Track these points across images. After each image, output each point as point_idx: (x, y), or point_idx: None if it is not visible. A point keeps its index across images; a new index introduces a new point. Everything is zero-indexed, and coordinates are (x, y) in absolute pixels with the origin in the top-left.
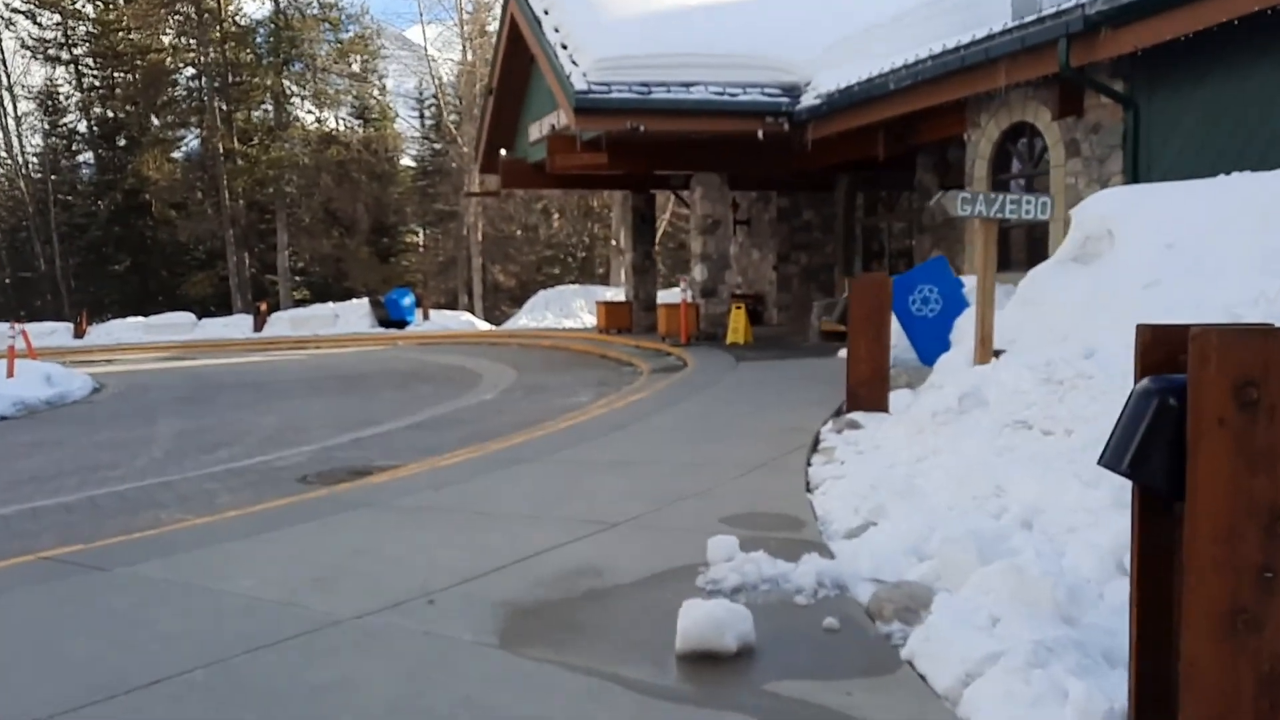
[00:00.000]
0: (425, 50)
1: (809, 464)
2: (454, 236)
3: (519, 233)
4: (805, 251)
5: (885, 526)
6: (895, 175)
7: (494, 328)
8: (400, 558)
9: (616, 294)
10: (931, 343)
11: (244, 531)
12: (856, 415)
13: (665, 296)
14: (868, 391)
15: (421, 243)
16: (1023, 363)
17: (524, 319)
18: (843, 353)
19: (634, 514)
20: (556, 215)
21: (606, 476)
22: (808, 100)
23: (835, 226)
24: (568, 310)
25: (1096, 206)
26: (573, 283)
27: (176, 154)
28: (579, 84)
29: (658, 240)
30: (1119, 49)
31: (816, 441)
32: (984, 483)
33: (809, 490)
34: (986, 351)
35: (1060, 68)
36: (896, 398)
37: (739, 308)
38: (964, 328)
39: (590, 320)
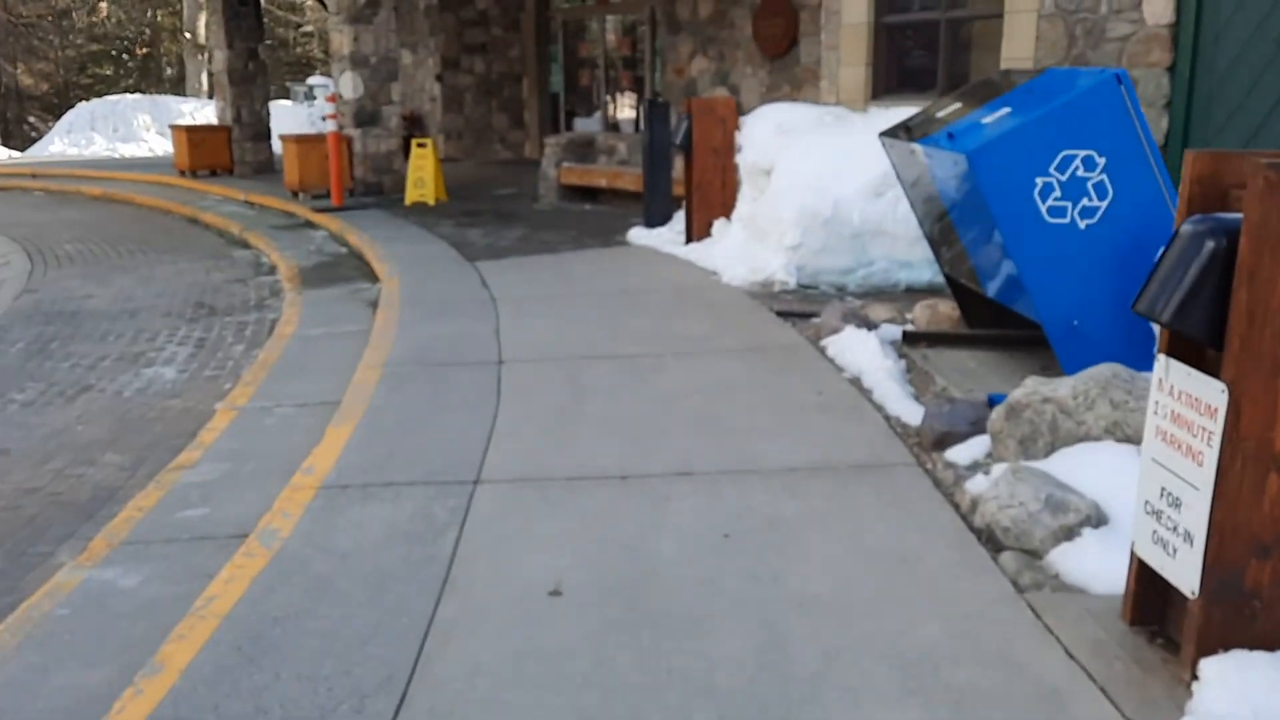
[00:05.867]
0: None
1: None
2: None
3: (49, 19)
4: (481, 56)
5: None
6: None
7: (13, 156)
8: None
9: (199, 110)
10: (1080, 297)
11: None
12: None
13: (281, 121)
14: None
15: None
16: None
17: (59, 143)
18: (637, 235)
19: None
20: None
21: None
22: None
23: (523, 21)
24: (128, 132)
25: None
26: (131, 90)
27: None
28: None
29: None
30: None
31: None
32: None
33: None
34: None
35: None
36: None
37: (422, 145)
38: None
39: (164, 148)
